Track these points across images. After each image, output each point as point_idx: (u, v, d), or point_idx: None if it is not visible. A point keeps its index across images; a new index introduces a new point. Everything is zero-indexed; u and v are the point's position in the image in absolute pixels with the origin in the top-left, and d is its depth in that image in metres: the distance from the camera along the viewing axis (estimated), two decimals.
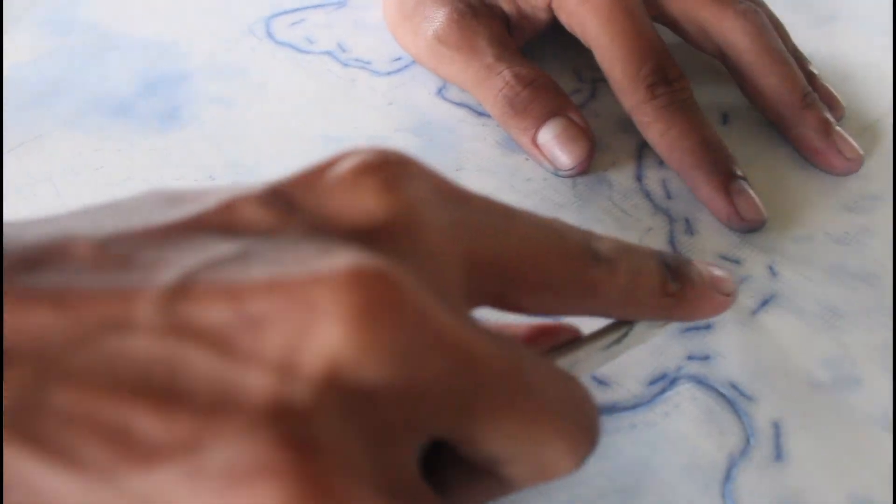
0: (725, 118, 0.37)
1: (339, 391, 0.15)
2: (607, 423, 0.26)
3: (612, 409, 0.26)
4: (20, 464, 0.14)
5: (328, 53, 0.41)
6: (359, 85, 0.39)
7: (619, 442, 0.25)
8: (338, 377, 0.15)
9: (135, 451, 0.14)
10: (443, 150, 0.35)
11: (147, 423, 0.14)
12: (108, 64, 0.42)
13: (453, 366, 0.16)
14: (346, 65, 0.40)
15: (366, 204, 0.17)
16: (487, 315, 0.21)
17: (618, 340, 0.23)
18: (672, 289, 0.22)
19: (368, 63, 0.40)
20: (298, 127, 0.37)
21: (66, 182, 0.35)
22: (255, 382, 0.14)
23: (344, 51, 0.41)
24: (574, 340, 0.23)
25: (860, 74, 0.40)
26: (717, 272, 0.24)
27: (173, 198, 0.17)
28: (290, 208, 0.17)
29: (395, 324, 0.15)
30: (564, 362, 0.22)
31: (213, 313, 0.15)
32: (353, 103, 0.38)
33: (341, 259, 0.15)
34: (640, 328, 0.23)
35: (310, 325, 0.15)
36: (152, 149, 0.37)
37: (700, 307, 0.23)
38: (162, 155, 0.36)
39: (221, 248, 0.16)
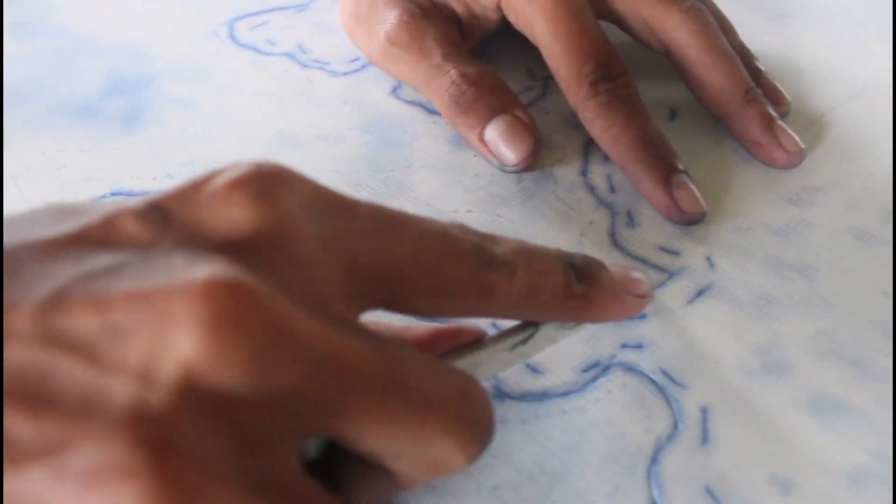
0: (673, 114, 0.38)
1: (196, 396, 0.15)
2: (538, 410, 0.26)
3: (544, 395, 0.27)
4: None
5: (288, 55, 0.42)
6: (316, 85, 0.40)
7: (548, 428, 0.26)
8: (193, 383, 0.15)
9: (7, 453, 0.14)
10: (393, 147, 0.36)
11: (18, 427, 0.15)
12: (75, 66, 0.43)
13: (314, 370, 0.16)
14: (305, 66, 0.41)
15: (235, 216, 0.18)
16: (391, 318, 0.21)
17: (523, 342, 0.24)
18: (577, 291, 0.23)
19: (327, 64, 0.41)
20: (257, 127, 0.38)
21: (29, 182, 0.36)
22: (118, 389, 0.15)
23: (304, 52, 0.42)
24: (477, 342, 0.23)
25: (808, 70, 0.40)
26: (633, 274, 0.25)
27: (65, 211, 0.18)
28: (167, 222, 0.18)
29: (247, 332, 0.16)
30: (465, 363, 0.23)
31: (80, 324, 0.15)
32: (310, 103, 0.39)
33: (201, 270, 0.16)
34: (547, 330, 0.24)
35: (167, 334, 0.15)
36: (115, 149, 0.38)
37: (608, 309, 0.24)
38: (124, 155, 0.37)
39: (97, 261, 0.16)
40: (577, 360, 0.28)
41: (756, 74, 0.37)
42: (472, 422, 0.19)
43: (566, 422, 0.26)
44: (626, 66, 0.34)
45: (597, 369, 0.28)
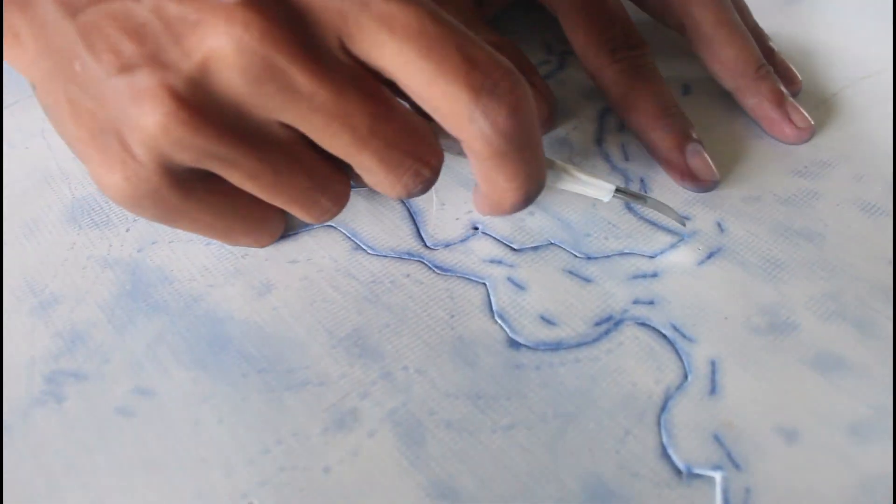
0: (687, 89, 0.39)
1: None
2: (552, 358, 0.27)
3: (558, 345, 0.28)
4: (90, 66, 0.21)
5: None
6: None
7: (562, 374, 0.27)
8: None
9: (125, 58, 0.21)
10: None
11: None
12: None
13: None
14: None
15: None
16: None
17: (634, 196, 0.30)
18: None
19: None
20: None
21: (56, 136, 0.37)
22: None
23: None
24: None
25: (820, 52, 0.41)
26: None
27: None
28: None
29: None
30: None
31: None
32: None
33: None
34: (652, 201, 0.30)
35: None
36: None
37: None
38: None
39: None
40: (590, 313, 0.29)
41: (769, 53, 0.38)
42: (403, 159, 0.23)
43: (579, 369, 0.27)
44: (643, 38, 0.35)
45: (609, 322, 0.28)
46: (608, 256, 0.31)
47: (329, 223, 0.32)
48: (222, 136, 0.22)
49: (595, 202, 0.33)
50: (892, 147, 0.36)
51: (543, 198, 0.33)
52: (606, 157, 0.35)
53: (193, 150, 0.22)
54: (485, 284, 0.30)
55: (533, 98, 0.23)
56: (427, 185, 0.25)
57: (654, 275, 0.30)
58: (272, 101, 0.21)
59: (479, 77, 0.22)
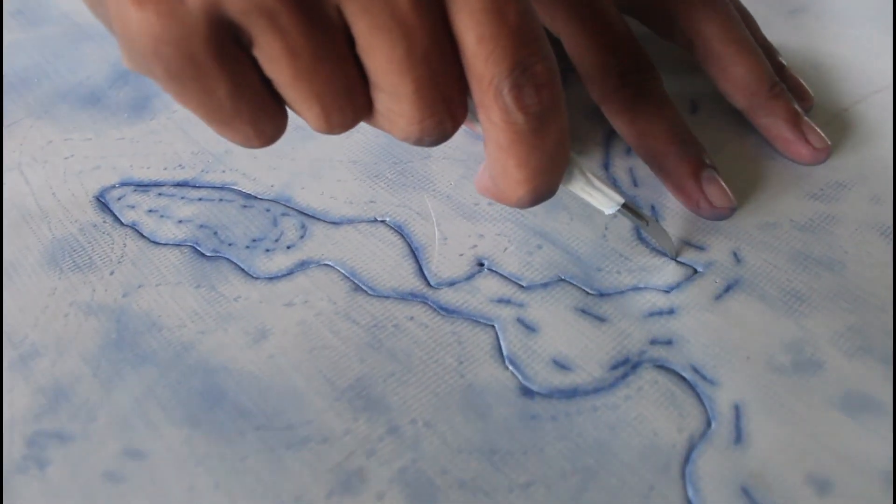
0: (694, 107, 0.37)
1: None
2: (568, 407, 0.26)
3: (574, 392, 0.26)
4: None
5: None
6: None
7: (580, 424, 0.25)
8: None
9: None
10: None
11: None
12: (80, 54, 0.42)
13: None
14: None
15: None
16: None
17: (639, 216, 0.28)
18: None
19: None
20: None
21: (35, 171, 0.35)
22: None
23: None
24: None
25: (829, 65, 0.40)
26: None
27: None
28: None
29: None
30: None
31: None
32: None
33: None
34: (655, 226, 0.29)
35: None
36: (122, 138, 0.37)
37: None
38: (133, 145, 0.36)
39: None
40: (606, 356, 0.27)
41: (779, 69, 0.36)
42: (436, 102, 0.22)
43: (597, 419, 0.25)
44: (652, 61, 0.33)
45: (626, 366, 0.27)
46: (622, 292, 0.29)
47: (327, 261, 0.30)
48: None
49: (605, 233, 0.31)
50: None
51: (550, 229, 0.31)
52: (614, 183, 0.33)
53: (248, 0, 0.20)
54: (493, 326, 0.28)
55: (562, 91, 0.23)
56: (442, 138, 0.24)
57: (671, 311, 0.28)
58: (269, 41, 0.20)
59: (524, 54, 0.21)
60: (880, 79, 0.39)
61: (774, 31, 0.42)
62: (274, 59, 0.21)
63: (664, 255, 0.30)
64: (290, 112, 0.23)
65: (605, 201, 0.28)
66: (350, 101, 0.23)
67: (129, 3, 0.20)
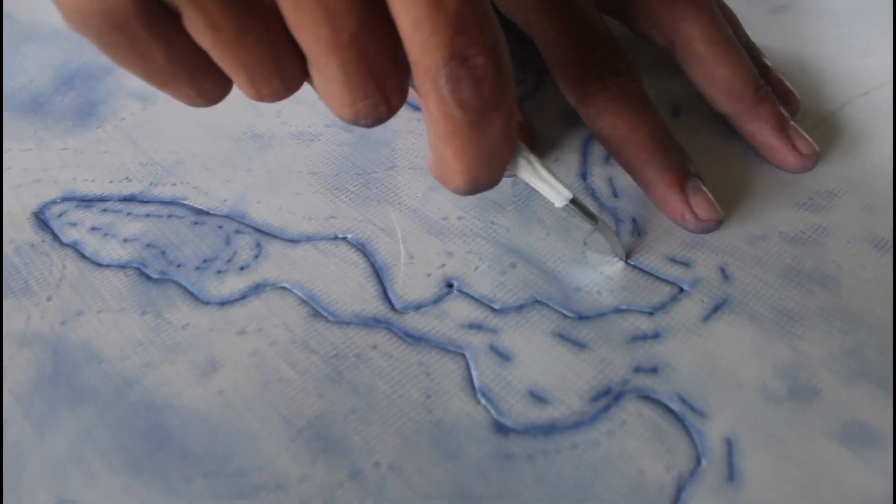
0: (676, 110, 0.35)
1: None
2: (546, 444, 0.24)
3: (552, 428, 0.24)
4: None
5: None
6: None
7: (559, 464, 0.23)
8: None
9: None
10: (375, 146, 0.33)
11: None
12: (20, 57, 0.39)
13: None
14: None
15: None
16: None
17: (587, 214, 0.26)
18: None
19: None
20: (225, 123, 0.34)
21: None
22: None
23: None
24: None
25: (815, 65, 0.38)
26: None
27: None
28: None
29: None
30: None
31: None
32: None
33: None
34: (602, 226, 0.27)
35: None
36: (66, 148, 0.34)
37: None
38: (77, 155, 0.34)
39: None
40: (586, 386, 0.25)
41: (765, 71, 0.34)
42: (367, 85, 0.21)
43: (578, 458, 0.23)
44: (631, 61, 0.31)
45: (608, 397, 0.25)
46: (603, 315, 0.27)
47: (283, 284, 0.28)
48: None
49: (584, 249, 0.29)
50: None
51: (525, 245, 0.29)
52: (592, 193, 0.31)
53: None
54: (464, 355, 0.26)
55: (511, 86, 0.22)
56: (377, 121, 0.23)
57: (656, 335, 0.26)
58: None
59: (461, 43, 0.20)
60: (868, 80, 0.37)
61: (757, 29, 0.40)
62: (198, 30, 0.21)
63: (650, 274, 0.28)
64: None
65: (553, 195, 0.26)
66: (278, 73, 0.22)
67: None
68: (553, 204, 0.26)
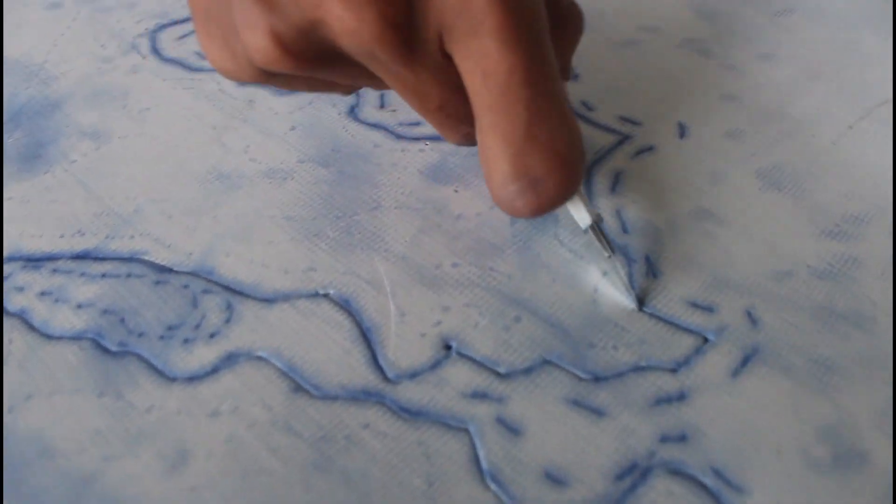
0: (683, 130, 0.32)
1: None
2: None
3: None
4: None
5: None
6: (257, 107, 0.33)
7: None
8: None
9: None
10: (356, 183, 0.30)
11: None
12: None
13: None
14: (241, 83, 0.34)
15: None
16: None
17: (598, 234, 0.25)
18: None
19: None
20: (187, 163, 0.31)
21: None
22: None
23: None
24: None
25: (825, 73, 0.35)
26: None
27: None
28: None
29: None
30: None
31: None
32: (252, 129, 0.32)
33: None
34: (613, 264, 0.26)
35: None
36: (9, 198, 0.30)
37: None
38: (20, 206, 0.30)
39: None
40: (608, 461, 0.22)
41: None
42: (459, 126, 0.25)
43: None
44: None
45: (634, 474, 0.22)
46: (621, 374, 0.24)
47: (259, 353, 0.25)
48: (315, 67, 0.22)
49: (596, 297, 0.26)
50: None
51: (529, 295, 0.26)
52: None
53: (287, 72, 0.22)
54: (468, 430, 0.23)
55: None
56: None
57: (682, 396, 0.23)
58: (366, 62, 0.22)
59: (522, 169, 0.22)
60: (883, 88, 0.34)
61: (760, 35, 0.37)
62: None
63: (669, 322, 0.25)
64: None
65: (579, 216, 0.25)
66: (458, 122, 0.25)
67: (208, 44, 0.24)
68: (559, 241, 0.23)
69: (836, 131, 0.32)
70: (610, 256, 0.25)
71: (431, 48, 0.22)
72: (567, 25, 0.26)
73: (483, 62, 0.21)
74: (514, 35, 0.21)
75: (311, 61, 0.22)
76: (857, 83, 0.35)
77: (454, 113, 0.24)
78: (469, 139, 0.25)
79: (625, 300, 0.26)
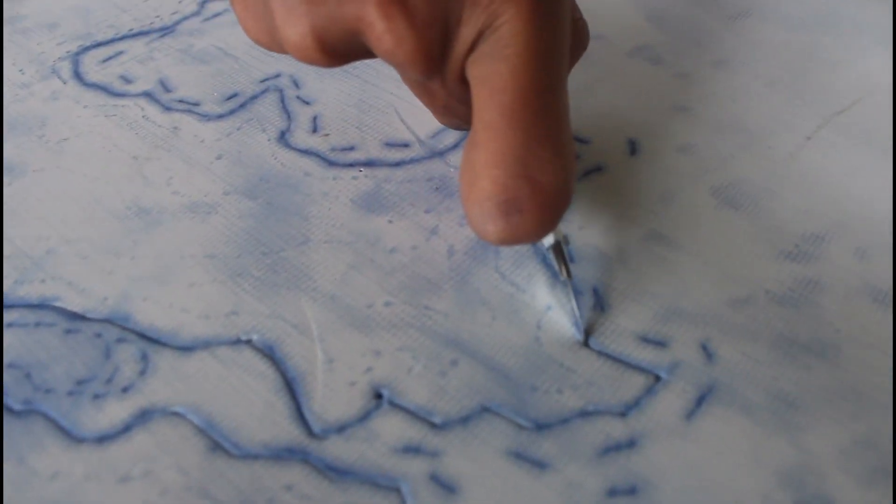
0: (633, 147, 0.30)
1: None
2: None
3: None
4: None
5: (147, 95, 0.33)
6: (182, 134, 0.31)
7: None
8: None
9: None
10: (284, 215, 0.28)
11: None
12: None
13: None
14: (168, 108, 0.32)
15: None
16: None
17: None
18: None
19: (196, 105, 0.33)
20: (105, 197, 0.29)
21: None
22: None
23: (167, 90, 0.33)
24: None
25: (782, 80, 0.34)
26: None
27: None
28: None
29: None
30: None
31: None
32: (175, 159, 0.30)
33: None
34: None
35: None
36: None
37: None
38: None
39: None
40: None
41: None
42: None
43: None
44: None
45: None
46: (566, 421, 0.22)
47: (176, 408, 0.23)
48: (345, 62, 0.23)
49: (539, 334, 0.24)
50: (892, 201, 0.28)
51: (467, 335, 0.24)
52: (544, 260, 0.26)
53: (318, 66, 0.22)
54: (399, 490, 0.21)
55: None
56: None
57: (631, 444, 0.22)
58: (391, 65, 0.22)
59: (503, 194, 0.21)
60: (842, 96, 0.33)
61: (714, 39, 0.35)
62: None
63: (618, 360, 0.24)
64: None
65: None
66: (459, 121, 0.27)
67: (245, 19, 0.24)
68: (499, 273, 0.21)
69: (794, 143, 0.31)
70: (565, 281, 0.24)
71: (454, 67, 0.22)
72: (575, 43, 0.25)
73: (493, 80, 0.21)
74: (532, 59, 0.21)
75: (343, 58, 0.22)
76: (815, 90, 0.33)
77: (458, 115, 0.26)
78: (460, 128, 0.28)
79: (573, 331, 0.24)
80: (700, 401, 0.23)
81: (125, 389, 0.23)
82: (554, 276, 0.26)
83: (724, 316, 0.25)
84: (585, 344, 0.24)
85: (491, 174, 0.21)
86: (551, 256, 0.24)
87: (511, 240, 0.21)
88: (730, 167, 0.29)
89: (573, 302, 0.24)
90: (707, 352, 0.24)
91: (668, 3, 0.38)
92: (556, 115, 0.21)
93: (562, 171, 0.21)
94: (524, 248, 0.27)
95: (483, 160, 0.21)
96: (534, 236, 0.22)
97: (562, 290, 0.25)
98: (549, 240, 0.24)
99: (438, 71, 0.22)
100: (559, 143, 0.21)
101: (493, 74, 0.21)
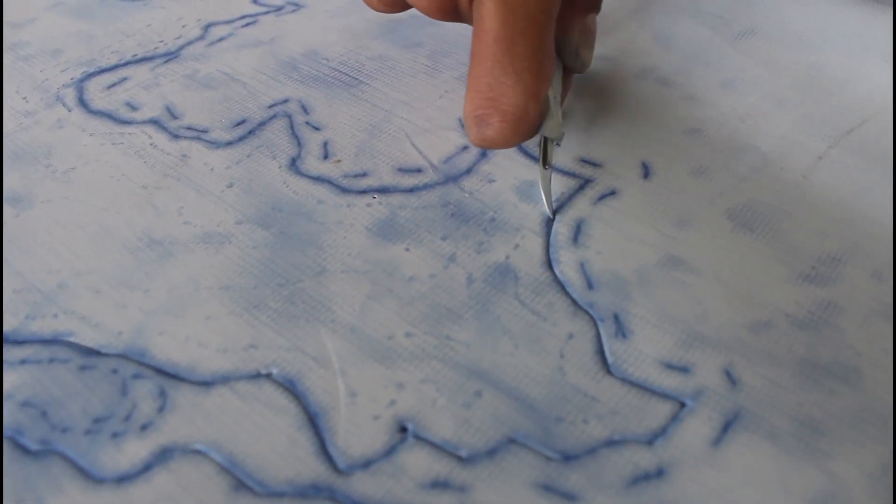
0: (647, 170, 0.30)
1: None
2: None
3: None
4: None
5: (154, 122, 0.33)
6: (191, 163, 0.31)
7: None
8: None
9: None
10: (299, 245, 0.28)
11: None
12: None
13: None
14: (175, 136, 0.32)
15: None
16: None
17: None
18: None
19: (204, 132, 0.32)
20: (115, 229, 0.29)
21: None
22: None
23: (174, 117, 0.33)
24: None
25: (790, 100, 0.34)
26: None
27: None
28: None
29: None
30: None
31: None
32: (184, 189, 0.30)
33: None
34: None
35: None
36: None
37: None
38: None
39: None
40: None
41: None
42: None
43: None
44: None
45: None
46: (593, 451, 0.22)
47: (197, 446, 0.22)
48: (397, 10, 0.30)
49: (562, 363, 0.24)
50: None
51: (490, 365, 0.24)
52: (563, 288, 0.26)
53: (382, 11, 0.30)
54: None
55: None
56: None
57: (660, 473, 0.21)
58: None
59: (474, 112, 0.27)
60: (852, 115, 0.33)
61: (720, 58, 0.35)
62: None
63: (643, 387, 0.23)
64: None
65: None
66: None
67: None
68: (519, 301, 0.21)
69: (806, 164, 0.31)
70: (546, 168, 0.29)
71: (463, 12, 0.28)
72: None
73: (477, 20, 0.26)
74: (502, 4, 0.25)
75: (396, 7, 0.30)
76: (824, 109, 0.33)
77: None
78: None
79: (593, 365, 0.24)
80: (726, 427, 0.23)
81: (144, 427, 0.23)
82: (574, 304, 0.26)
83: (746, 340, 0.25)
84: (552, 218, 0.28)
85: (470, 95, 0.27)
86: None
87: (486, 145, 0.27)
88: (744, 189, 0.29)
89: (549, 188, 0.29)
90: (731, 377, 0.24)
91: (675, 22, 0.38)
92: (521, 49, 0.26)
93: (521, 95, 0.26)
94: (541, 274, 0.26)
95: (468, 83, 0.27)
96: (504, 144, 0.27)
97: (541, 175, 0.29)
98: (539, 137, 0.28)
99: (452, 18, 0.28)
100: (521, 71, 0.26)
101: (477, 17, 0.26)
